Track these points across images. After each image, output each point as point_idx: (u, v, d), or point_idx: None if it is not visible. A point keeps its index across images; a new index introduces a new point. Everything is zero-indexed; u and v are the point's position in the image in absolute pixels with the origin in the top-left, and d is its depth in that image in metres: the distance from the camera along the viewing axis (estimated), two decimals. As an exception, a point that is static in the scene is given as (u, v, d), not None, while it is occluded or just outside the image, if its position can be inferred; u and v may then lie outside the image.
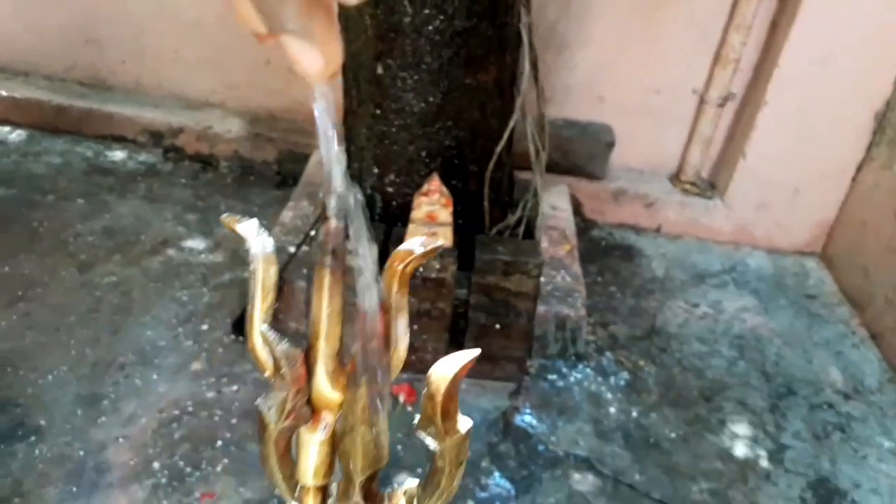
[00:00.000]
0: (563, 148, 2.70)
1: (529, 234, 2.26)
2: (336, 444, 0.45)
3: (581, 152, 2.73)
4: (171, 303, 2.08)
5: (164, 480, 1.55)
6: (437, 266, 1.75)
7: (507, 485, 1.63)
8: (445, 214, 1.76)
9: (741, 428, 1.89)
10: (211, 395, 1.78)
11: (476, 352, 0.44)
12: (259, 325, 0.46)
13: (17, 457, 1.56)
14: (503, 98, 1.97)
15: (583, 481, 1.68)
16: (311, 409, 0.45)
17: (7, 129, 2.86)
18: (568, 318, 1.98)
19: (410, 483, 0.49)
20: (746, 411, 1.95)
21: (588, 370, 2.00)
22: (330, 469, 0.46)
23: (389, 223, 1.97)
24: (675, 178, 2.80)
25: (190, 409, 1.74)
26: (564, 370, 1.98)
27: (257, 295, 0.45)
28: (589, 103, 2.77)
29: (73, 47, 2.94)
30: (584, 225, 2.74)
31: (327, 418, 0.45)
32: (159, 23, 2.84)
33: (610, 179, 2.78)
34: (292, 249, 2.01)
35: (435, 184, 1.77)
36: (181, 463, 1.59)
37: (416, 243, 0.48)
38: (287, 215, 2.21)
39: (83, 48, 2.93)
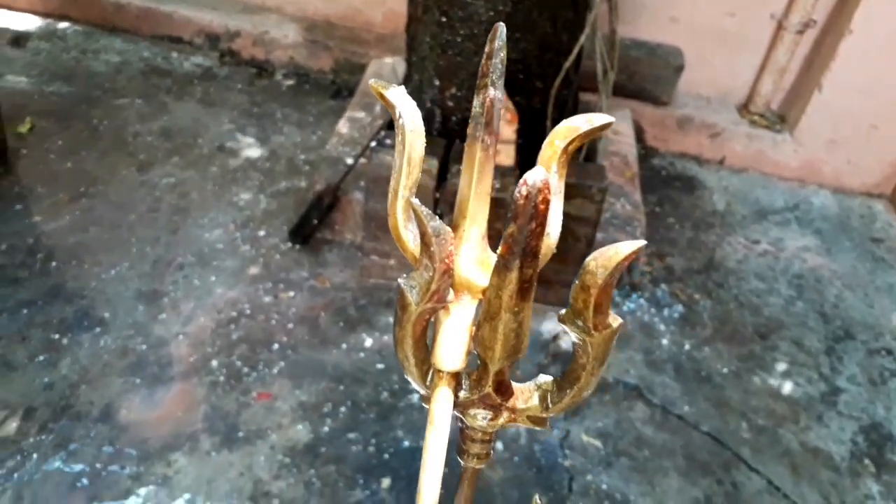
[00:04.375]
0: (630, 69, 2.59)
1: (590, 158, 2.20)
2: (475, 331, 0.43)
3: (648, 75, 2.62)
4: (228, 207, 2.09)
5: (222, 378, 1.59)
6: (497, 185, 1.71)
7: (557, 406, 1.64)
8: (509, 131, 1.71)
9: (795, 368, 1.86)
10: (268, 299, 1.81)
11: (642, 242, 0.40)
12: (405, 198, 0.44)
13: (83, 346, 1.61)
14: (575, 10, 1.88)
15: (632, 408, 1.68)
16: (454, 293, 0.43)
17: (65, 24, 2.85)
18: (626, 246, 1.94)
19: (544, 378, 0.48)
20: (801, 352, 1.92)
21: (642, 300, 1.97)
22: (466, 355, 0.45)
23: (449, 139, 1.93)
24: (744, 108, 2.68)
25: (247, 311, 1.77)
26: (618, 299, 1.96)
27: (403, 168, 0.42)
28: (660, 23, 2.64)
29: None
30: (646, 152, 2.66)
31: (469, 302, 0.43)
32: (219, -81, 2.76)
33: (676, 106, 2.68)
34: (350, 161, 1.99)
35: (502, 99, 1.71)
36: (239, 363, 1.63)
37: (580, 119, 0.44)
38: (344, 126, 2.18)
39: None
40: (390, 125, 2.08)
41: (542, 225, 0.37)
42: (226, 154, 2.31)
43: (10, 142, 2.17)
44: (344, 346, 1.71)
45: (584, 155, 2.15)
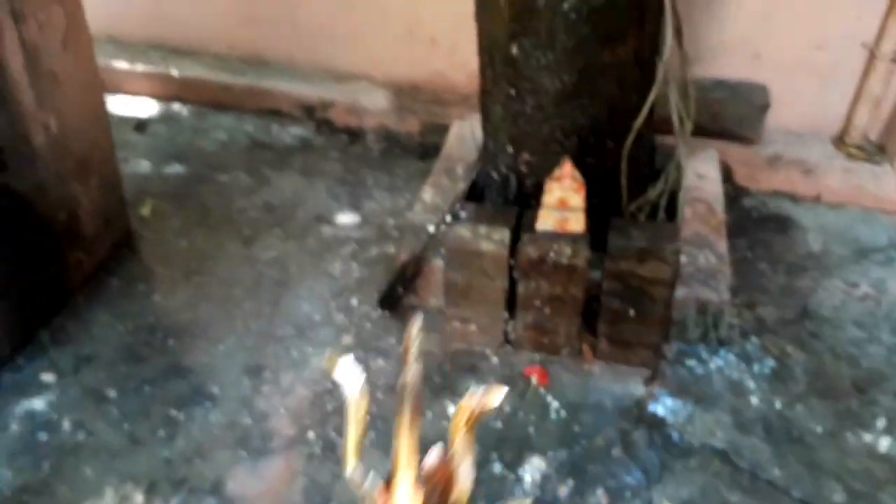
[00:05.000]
0: (713, 111, 2.57)
1: (673, 207, 2.19)
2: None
3: (732, 115, 2.58)
4: (324, 277, 2.24)
5: (318, 450, 1.71)
6: (569, 252, 1.76)
7: (639, 474, 1.65)
8: (577, 199, 1.75)
9: (899, 425, 1.78)
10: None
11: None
12: (352, 453, 0.54)
13: (196, 421, 1.78)
14: (643, 71, 1.91)
15: (719, 474, 1.66)
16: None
17: (179, 106, 3.13)
18: (709, 304, 1.93)
19: None
20: (906, 406, 1.83)
21: (730, 356, 1.95)
22: None
23: (524, 203, 1.99)
24: (839, 140, 2.58)
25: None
26: (704, 356, 1.94)
27: (351, 428, 0.53)
28: (742, 61, 2.60)
29: (235, 26, 3.13)
30: (735, 193, 2.61)
31: None
32: (311, 1, 2.96)
33: (764, 143, 2.62)
34: (432, 229, 2.09)
35: (567, 169, 1.76)
36: (333, 434, 1.75)
37: (475, 400, 0.54)
38: (427, 192, 2.28)
39: (243, 27, 3.12)
40: (470, 194, 2.17)
41: (446, 495, 0.45)
42: (322, 223, 2.47)
43: (134, 225, 2.42)
44: (429, 414, 1.79)
45: (664, 206, 2.14)
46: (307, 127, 3.00)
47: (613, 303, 1.81)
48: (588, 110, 1.89)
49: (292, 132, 2.98)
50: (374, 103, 2.95)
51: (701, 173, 2.43)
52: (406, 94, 2.98)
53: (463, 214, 1.87)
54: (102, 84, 2.14)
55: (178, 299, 2.16)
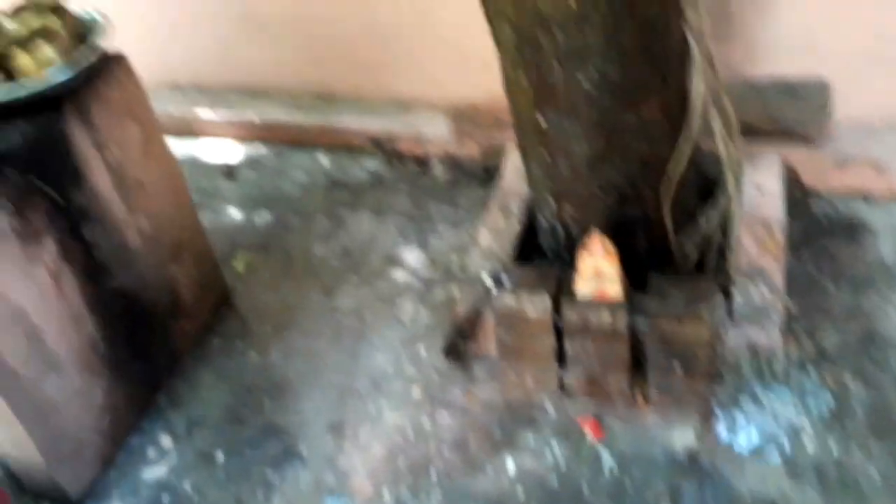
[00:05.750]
0: (772, 114, 2.50)
1: (727, 232, 2.19)
2: None
3: (793, 116, 2.50)
4: (395, 324, 2.42)
5: (391, 509, 1.93)
6: (609, 319, 1.84)
7: (684, 530, 1.75)
8: (610, 268, 1.81)
9: (961, 464, 1.76)
10: (427, 424, 2.10)
11: None
12: None
13: (287, 481, 2.04)
14: (672, 122, 1.91)
15: (765, 524, 1.73)
16: None
17: (261, 147, 3.36)
18: (759, 346, 1.95)
19: None
20: (972, 442, 1.80)
21: (786, 394, 1.97)
22: None
23: (572, 252, 2.07)
24: (918, 132, 2.44)
25: (411, 437, 2.08)
26: (759, 395, 1.97)
27: None
28: (802, 56, 2.49)
29: (303, 66, 3.31)
30: (804, 196, 2.53)
31: None
32: (367, 36, 3.08)
33: (831, 141, 2.51)
34: (487, 281, 2.20)
35: (595, 241, 1.82)
36: (405, 492, 1.95)
37: None
38: (483, 236, 2.38)
39: (311, 66, 3.28)
40: (527, 235, 2.28)
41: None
42: (392, 265, 2.64)
43: (229, 279, 2.69)
44: (490, 470, 1.95)
45: (719, 231, 2.14)
46: (378, 159, 3.15)
47: (659, 359, 1.88)
48: (621, 168, 1.92)
49: (365, 166, 3.14)
50: (436, 131, 3.05)
51: (761, 185, 2.38)
52: (465, 117, 3.06)
53: (506, 281, 1.98)
54: (181, 175, 2.37)
55: (270, 357, 2.41)
